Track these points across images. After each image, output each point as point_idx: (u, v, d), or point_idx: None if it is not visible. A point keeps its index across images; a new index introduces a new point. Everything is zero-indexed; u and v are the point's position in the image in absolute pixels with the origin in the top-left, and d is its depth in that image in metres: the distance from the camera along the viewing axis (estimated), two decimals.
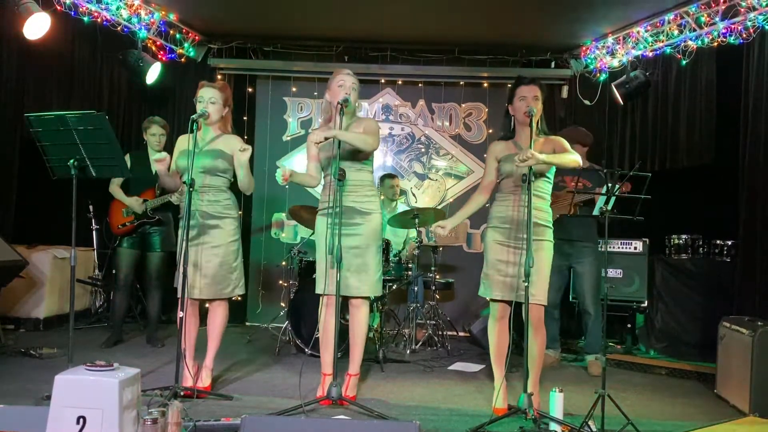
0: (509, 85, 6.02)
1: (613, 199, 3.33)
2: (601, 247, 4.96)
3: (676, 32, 4.88)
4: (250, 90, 6.27)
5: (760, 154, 4.16)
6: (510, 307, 3.31)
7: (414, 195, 6.30)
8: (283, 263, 5.70)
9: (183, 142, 3.61)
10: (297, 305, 4.61)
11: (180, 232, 3.51)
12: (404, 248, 5.45)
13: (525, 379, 3.10)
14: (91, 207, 5.64)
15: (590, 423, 2.93)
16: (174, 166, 3.62)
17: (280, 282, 5.89)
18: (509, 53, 6.09)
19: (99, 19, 4.83)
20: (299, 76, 6.24)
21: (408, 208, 5.38)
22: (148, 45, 5.39)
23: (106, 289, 5.80)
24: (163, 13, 5.32)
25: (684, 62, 4.91)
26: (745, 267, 4.28)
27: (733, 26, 4.39)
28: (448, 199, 6.28)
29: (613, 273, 5.03)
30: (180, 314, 3.34)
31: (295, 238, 6.21)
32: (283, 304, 5.44)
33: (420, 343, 5.09)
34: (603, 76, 5.72)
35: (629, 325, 5.21)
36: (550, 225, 3.34)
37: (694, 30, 4.72)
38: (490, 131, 6.17)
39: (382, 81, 6.26)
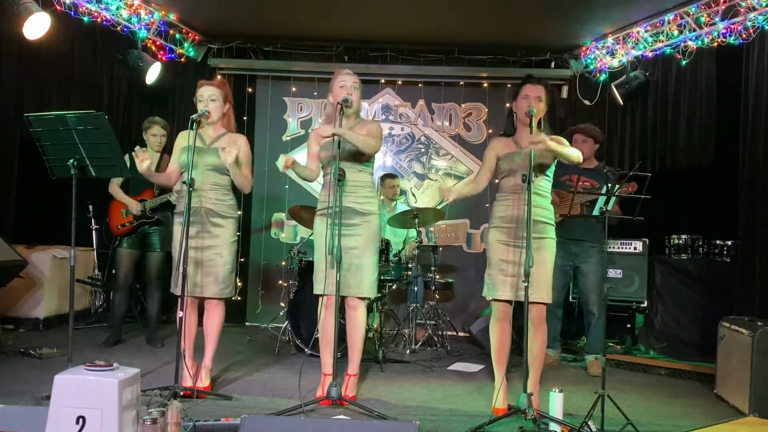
0: (509, 86, 6.13)
1: (613, 199, 3.33)
2: (610, 247, 4.99)
3: (675, 32, 4.88)
4: (249, 90, 6.27)
5: (760, 154, 4.16)
6: (512, 307, 3.32)
7: (414, 195, 6.30)
8: (283, 263, 5.70)
9: (184, 138, 3.58)
10: (297, 305, 4.61)
11: (177, 229, 3.50)
12: (404, 248, 5.45)
13: (525, 379, 3.10)
14: (90, 207, 5.65)
15: (590, 423, 2.93)
16: (175, 164, 3.61)
17: (280, 282, 5.89)
18: (509, 53, 6.09)
19: (99, 19, 4.83)
20: (299, 76, 6.24)
21: (408, 208, 5.38)
22: (148, 45, 5.39)
23: (106, 289, 5.80)
24: (162, 13, 5.31)
25: (684, 62, 4.91)
26: (744, 267, 4.28)
27: (732, 26, 4.38)
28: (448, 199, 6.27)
29: (613, 273, 5.02)
30: (180, 314, 3.34)
31: (294, 238, 6.21)
32: (282, 304, 5.44)
33: (420, 343, 5.09)
34: (603, 77, 5.72)
35: (629, 326, 5.20)
36: (553, 222, 3.36)
37: (694, 30, 4.72)
38: (490, 131, 6.17)
39: (382, 81, 6.25)
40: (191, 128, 3.31)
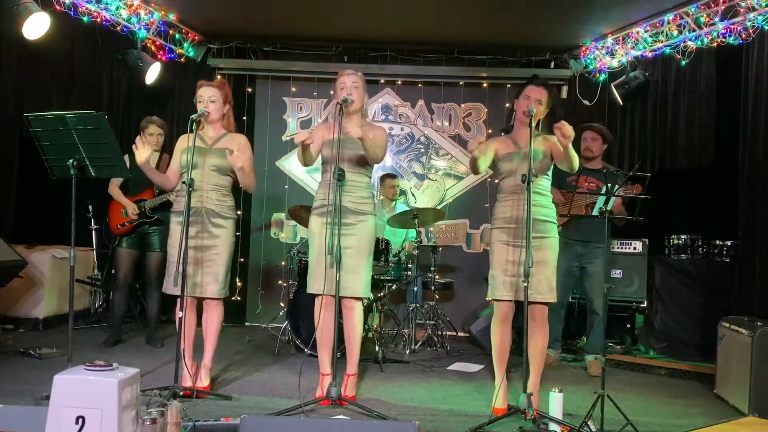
0: (509, 86, 6.13)
1: (613, 199, 3.34)
2: (616, 248, 4.98)
3: (675, 32, 4.88)
4: (249, 90, 6.27)
5: (760, 154, 4.16)
6: (514, 308, 3.32)
7: (413, 195, 6.30)
8: (283, 263, 5.70)
9: (185, 141, 3.58)
10: (296, 305, 4.60)
11: (175, 228, 3.50)
12: (402, 247, 5.45)
13: (525, 379, 3.10)
14: (90, 207, 5.65)
15: (590, 423, 2.93)
16: (175, 166, 3.61)
17: (280, 282, 5.89)
18: (509, 53, 6.09)
19: (98, 19, 4.83)
20: (299, 76, 6.24)
21: (407, 208, 5.38)
22: (148, 45, 5.39)
23: (106, 289, 5.80)
24: (162, 13, 5.31)
25: (683, 62, 4.91)
26: (744, 267, 4.28)
27: (732, 26, 4.38)
28: (448, 200, 6.28)
29: (613, 273, 5.02)
30: (179, 314, 3.34)
31: (294, 238, 6.21)
32: (282, 304, 5.44)
33: (419, 343, 5.09)
34: (602, 77, 5.72)
35: (629, 326, 5.20)
36: (555, 221, 3.37)
37: (694, 30, 4.72)
38: (490, 131, 6.17)
39: (382, 81, 6.25)
40: (191, 128, 3.31)
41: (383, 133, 3.61)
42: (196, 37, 5.90)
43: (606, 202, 3.32)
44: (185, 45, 5.82)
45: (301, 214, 5.04)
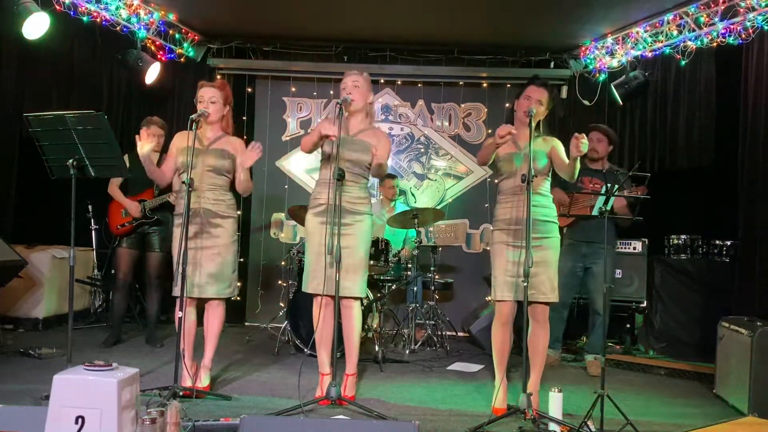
0: (509, 86, 6.13)
1: (612, 199, 3.34)
2: (616, 248, 4.98)
3: (675, 32, 4.88)
4: (249, 90, 6.27)
5: (760, 154, 4.16)
6: (515, 309, 3.33)
7: (413, 195, 6.30)
8: (282, 263, 5.70)
9: (182, 139, 3.57)
10: (296, 305, 4.60)
11: (176, 230, 3.51)
12: (400, 251, 5.43)
13: (525, 379, 3.11)
14: (90, 207, 5.65)
15: (589, 423, 2.93)
16: (171, 163, 3.61)
17: (279, 282, 5.89)
18: (508, 53, 6.09)
19: (98, 19, 4.83)
20: (298, 76, 6.23)
21: (407, 208, 5.38)
22: (148, 45, 5.39)
23: (105, 289, 5.80)
24: (162, 12, 5.31)
25: (683, 62, 4.91)
26: (744, 267, 4.28)
27: (732, 26, 4.38)
28: (448, 200, 6.28)
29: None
30: (179, 314, 3.34)
31: (294, 238, 6.21)
32: (282, 304, 5.44)
33: (419, 343, 5.08)
34: (602, 77, 5.72)
35: (628, 326, 5.21)
36: (556, 221, 3.38)
37: (694, 30, 4.72)
38: (489, 131, 6.17)
39: (382, 81, 6.25)
40: (190, 128, 3.31)
41: (386, 143, 3.59)
42: (196, 37, 5.91)
43: (606, 203, 3.32)
44: (185, 45, 5.82)
45: (300, 214, 5.03)
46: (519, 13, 5.12)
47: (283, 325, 4.81)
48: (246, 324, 6.08)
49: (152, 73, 5.30)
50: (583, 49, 5.83)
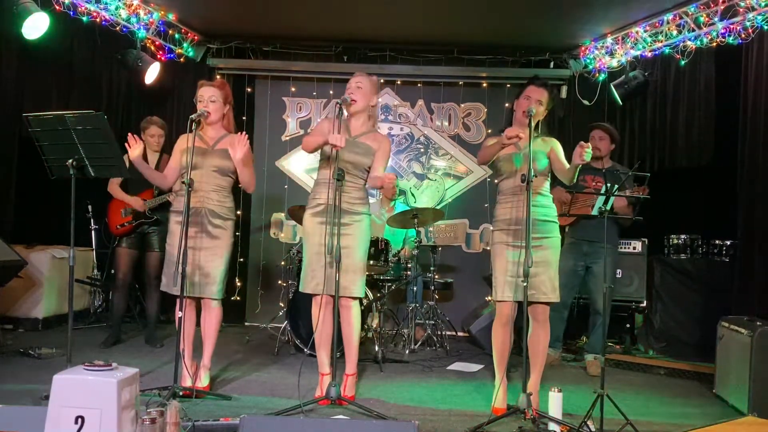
0: (508, 86, 6.13)
1: (612, 199, 3.34)
2: (620, 248, 4.99)
3: (675, 32, 4.88)
4: (249, 90, 6.27)
5: (759, 154, 4.16)
6: (516, 310, 3.33)
7: (413, 195, 6.30)
8: (282, 263, 5.70)
9: (185, 141, 3.56)
10: (296, 305, 4.60)
11: (174, 228, 3.50)
12: (400, 251, 5.43)
13: (524, 379, 3.11)
14: (89, 207, 5.65)
15: (589, 423, 2.93)
16: (174, 165, 3.61)
17: (279, 282, 5.89)
18: (508, 53, 6.08)
19: (98, 19, 4.83)
20: (298, 76, 6.23)
21: (407, 208, 5.38)
22: (147, 45, 5.39)
23: (105, 289, 5.80)
24: (162, 12, 5.31)
25: (683, 62, 4.91)
26: (744, 267, 4.28)
27: (732, 26, 4.38)
28: (447, 199, 6.28)
29: None
30: (179, 314, 3.34)
31: (294, 238, 6.21)
32: (282, 304, 5.44)
33: (419, 343, 5.08)
34: (602, 77, 5.71)
35: (628, 325, 5.21)
36: (556, 220, 3.38)
37: (693, 30, 4.72)
38: (489, 131, 6.16)
39: (381, 81, 6.21)
40: (190, 128, 3.31)
41: (387, 147, 3.60)
42: (196, 37, 5.90)
43: (605, 202, 3.32)
44: (185, 45, 5.82)
45: (300, 214, 5.00)
46: (519, 13, 5.12)
47: (283, 325, 4.81)
48: (246, 324, 6.08)
49: (152, 73, 5.30)
50: (583, 49, 5.83)
